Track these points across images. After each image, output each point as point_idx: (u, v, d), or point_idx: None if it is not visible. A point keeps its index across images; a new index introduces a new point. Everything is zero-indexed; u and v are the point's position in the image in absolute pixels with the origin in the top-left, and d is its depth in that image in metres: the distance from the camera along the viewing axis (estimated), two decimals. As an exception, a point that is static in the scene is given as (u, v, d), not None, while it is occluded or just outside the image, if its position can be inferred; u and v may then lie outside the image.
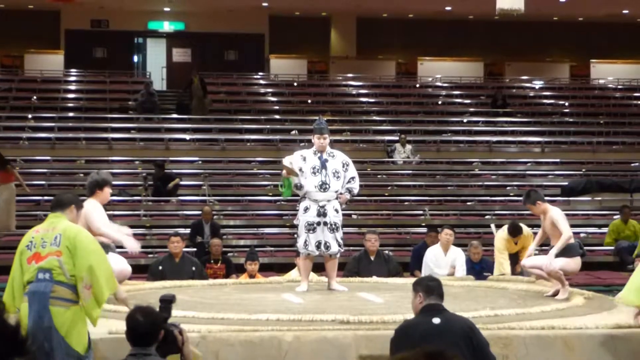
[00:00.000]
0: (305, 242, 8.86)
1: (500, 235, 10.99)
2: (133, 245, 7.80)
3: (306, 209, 8.85)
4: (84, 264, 5.73)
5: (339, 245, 8.95)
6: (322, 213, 8.82)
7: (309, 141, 10.10)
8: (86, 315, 5.80)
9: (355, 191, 9.12)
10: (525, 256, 8.99)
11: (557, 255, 8.48)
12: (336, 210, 8.90)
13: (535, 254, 9.03)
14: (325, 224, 8.83)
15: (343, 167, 8.97)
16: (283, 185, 8.96)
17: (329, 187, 8.86)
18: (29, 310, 5.70)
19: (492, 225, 12.44)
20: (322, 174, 8.86)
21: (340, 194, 8.94)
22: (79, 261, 5.73)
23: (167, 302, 5.24)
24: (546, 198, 20.79)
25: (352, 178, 9.01)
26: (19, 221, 16.80)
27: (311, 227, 8.83)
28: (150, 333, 4.91)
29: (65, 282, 5.73)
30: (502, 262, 10.81)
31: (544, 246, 9.61)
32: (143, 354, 4.89)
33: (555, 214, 8.65)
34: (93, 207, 7.66)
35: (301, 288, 8.88)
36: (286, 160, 8.94)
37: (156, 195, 17.59)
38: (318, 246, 8.85)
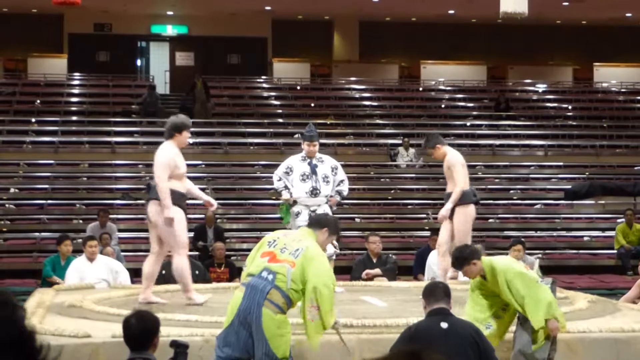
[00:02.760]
0: None
1: None
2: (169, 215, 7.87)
3: (297, 214, 8.92)
4: (312, 284, 5.81)
5: (335, 247, 9.02)
6: None
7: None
8: (307, 335, 5.92)
9: (345, 193, 9.25)
10: (441, 224, 9.15)
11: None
12: None
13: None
14: None
15: (332, 171, 9.10)
16: (281, 210, 9.07)
17: (320, 192, 8.98)
18: (241, 300, 5.79)
19: (536, 263, 12.16)
20: (313, 180, 8.97)
21: (331, 196, 9.04)
22: (310, 280, 5.81)
23: (183, 346, 5.27)
24: (549, 202, 20.75)
25: (342, 181, 9.15)
26: (24, 225, 16.82)
27: None
28: (143, 337, 4.94)
29: (283, 289, 5.80)
30: None
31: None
32: (142, 358, 4.90)
33: (453, 160, 8.78)
34: (162, 153, 7.85)
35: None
36: (285, 194, 9.00)
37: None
38: None
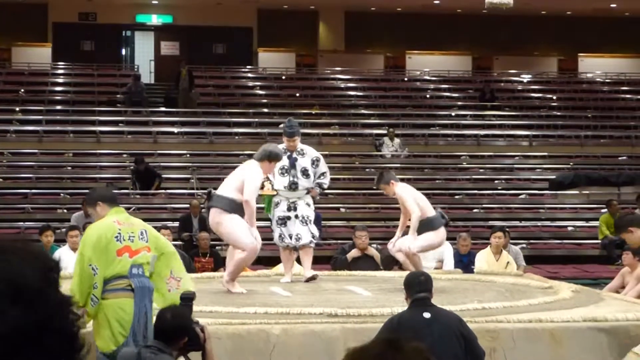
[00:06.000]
0: (280, 235, 9.01)
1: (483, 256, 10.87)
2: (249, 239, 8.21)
3: (277, 204, 8.98)
4: (170, 264, 5.88)
5: (312, 237, 9.01)
6: (292, 208, 8.97)
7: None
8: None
9: (326, 186, 9.28)
10: (391, 241, 9.12)
11: (420, 232, 8.57)
12: (307, 204, 9.02)
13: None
14: (296, 217, 8.95)
15: (313, 164, 9.07)
16: (264, 201, 9.12)
17: (298, 186, 8.96)
18: (135, 305, 5.59)
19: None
20: (291, 174, 8.98)
21: (311, 189, 9.04)
22: (166, 261, 5.85)
23: (188, 299, 5.25)
24: (534, 192, 20.84)
25: (323, 174, 9.14)
26: (8, 214, 16.77)
27: (282, 222, 8.99)
28: (174, 333, 4.90)
29: (149, 277, 5.80)
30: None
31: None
32: (158, 348, 4.87)
33: (401, 193, 8.73)
34: (256, 174, 8.24)
35: (285, 279, 9.05)
36: (267, 185, 9.04)
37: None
38: (291, 237, 8.93)
